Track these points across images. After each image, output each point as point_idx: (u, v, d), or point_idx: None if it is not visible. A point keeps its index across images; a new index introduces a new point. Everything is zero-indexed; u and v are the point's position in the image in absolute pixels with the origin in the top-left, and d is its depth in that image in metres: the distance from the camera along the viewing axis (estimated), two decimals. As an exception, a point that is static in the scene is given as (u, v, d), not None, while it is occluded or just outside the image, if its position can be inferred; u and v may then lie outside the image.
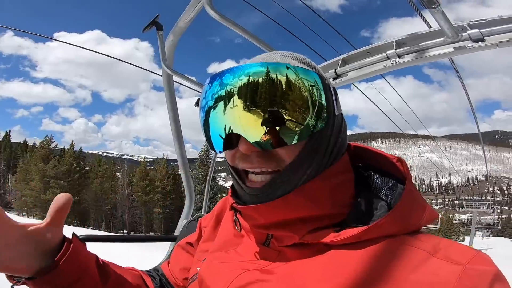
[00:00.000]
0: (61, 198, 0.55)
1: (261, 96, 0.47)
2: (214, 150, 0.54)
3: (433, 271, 0.41)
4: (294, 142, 0.48)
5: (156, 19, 1.78)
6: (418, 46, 1.16)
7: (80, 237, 1.67)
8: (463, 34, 1.05)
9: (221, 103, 0.49)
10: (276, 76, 0.47)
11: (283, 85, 0.47)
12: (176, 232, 2.06)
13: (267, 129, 0.47)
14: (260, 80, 0.47)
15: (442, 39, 1.09)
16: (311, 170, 0.50)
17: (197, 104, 2.12)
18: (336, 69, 1.40)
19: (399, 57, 1.19)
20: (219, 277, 0.56)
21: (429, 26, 1.37)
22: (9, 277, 0.54)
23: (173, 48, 2.05)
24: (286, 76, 0.47)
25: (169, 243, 2.00)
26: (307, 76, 0.49)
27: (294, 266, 0.50)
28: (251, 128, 0.47)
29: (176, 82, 2.35)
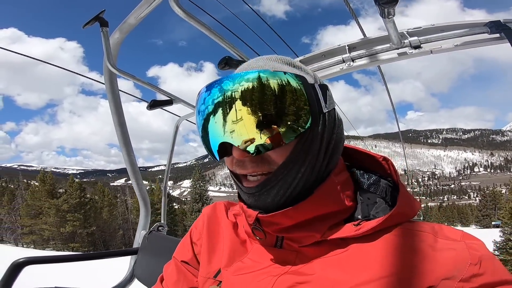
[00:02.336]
0: None
1: (243, 103, 0.49)
2: (215, 159, 0.55)
3: (448, 246, 0.47)
4: (281, 144, 0.49)
5: (100, 14, 1.61)
6: (368, 51, 1.28)
7: (21, 260, 1.45)
8: (405, 41, 1.20)
9: (209, 114, 0.52)
10: (256, 82, 0.49)
11: (261, 90, 0.48)
12: (135, 245, 1.91)
13: (255, 134, 0.49)
14: (239, 88, 0.49)
15: (388, 45, 1.23)
16: (305, 168, 0.52)
17: (150, 107, 2.01)
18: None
19: (353, 60, 1.30)
20: None
21: (364, 35, 1.52)
22: None
23: (119, 46, 1.88)
24: (266, 80, 0.49)
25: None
26: (285, 77, 0.50)
27: (324, 264, 0.52)
28: (240, 135, 0.49)
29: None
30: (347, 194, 0.56)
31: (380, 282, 0.46)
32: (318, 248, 0.54)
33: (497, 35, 1.11)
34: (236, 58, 1.24)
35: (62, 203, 36.75)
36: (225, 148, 0.52)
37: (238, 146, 0.50)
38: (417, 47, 1.19)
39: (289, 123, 0.49)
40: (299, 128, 0.49)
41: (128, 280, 1.94)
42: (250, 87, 0.49)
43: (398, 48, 1.22)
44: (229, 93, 0.49)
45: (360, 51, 1.30)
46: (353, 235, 0.51)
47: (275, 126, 0.48)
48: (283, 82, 0.49)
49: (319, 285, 0.50)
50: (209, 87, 0.52)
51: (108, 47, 1.72)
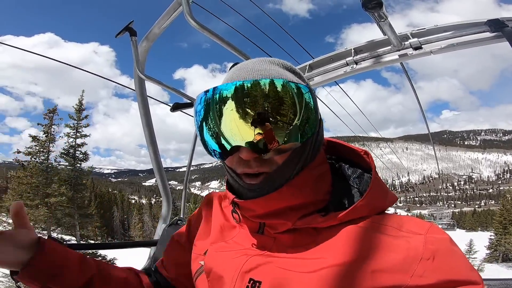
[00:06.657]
0: (14, 206, 0.64)
1: (260, 109, 0.52)
2: (216, 157, 0.59)
3: (404, 240, 0.51)
4: (292, 148, 0.55)
5: (130, 25, 1.80)
6: (371, 54, 1.34)
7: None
8: (406, 42, 1.25)
9: (223, 116, 0.54)
10: (276, 89, 0.52)
11: (280, 100, 0.52)
12: (156, 237, 2.07)
13: (266, 138, 0.52)
14: (259, 94, 0.52)
15: (390, 47, 1.29)
16: (299, 165, 0.58)
17: (172, 109, 2.19)
18: (304, 74, 1.55)
19: (356, 63, 1.37)
20: (227, 265, 0.62)
21: (384, 34, 1.58)
22: (11, 273, 0.64)
23: (146, 53, 2.08)
24: (283, 91, 0.53)
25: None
26: (301, 90, 0.54)
27: (292, 249, 0.58)
28: (253, 139, 0.53)
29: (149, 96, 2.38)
30: (322, 187, 0.61)
31: (331, 269, 0.51)
32: (293, 235, 0.59)
33: (497, 33, 1.12)
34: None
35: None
36: (231, 149, 0.55)
37: (251, 148, 0.52)
38: (417, 48, 1.23)
39: (301, 129, 0.54)
40: (309, 134, 0.55)
41: (147, 270, 2.11)
42: (271, 94, 0.51)
43: (399, 50, 1.27)
44: (247, 97, 0.52)
45: (364, 54, 1.37)
46: (321, 226, 0.57)
47: (288, 132, 0.53)
48: (301, 92, 0.54)
49: (283, 263, 0.56)
50: (226, 88, 0.53)
51: (137, 55, 1.92)
